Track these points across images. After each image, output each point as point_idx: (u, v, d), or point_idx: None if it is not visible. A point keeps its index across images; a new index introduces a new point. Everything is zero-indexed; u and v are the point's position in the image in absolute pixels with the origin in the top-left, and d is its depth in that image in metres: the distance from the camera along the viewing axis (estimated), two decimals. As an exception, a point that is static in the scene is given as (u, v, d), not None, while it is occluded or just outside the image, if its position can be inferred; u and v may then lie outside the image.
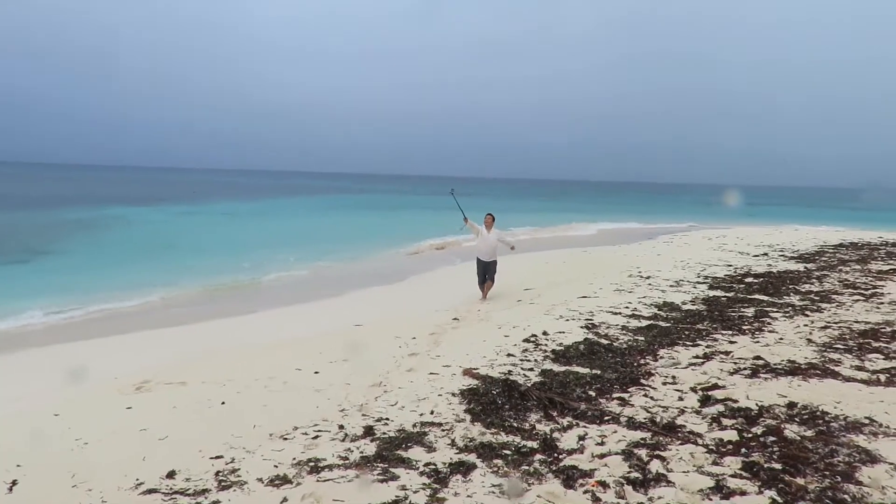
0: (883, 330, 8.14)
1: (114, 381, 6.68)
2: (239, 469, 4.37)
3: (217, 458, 4.59)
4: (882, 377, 6.08)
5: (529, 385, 5.85)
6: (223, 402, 5.81)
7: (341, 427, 5.06)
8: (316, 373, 6.68)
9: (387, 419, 5.20)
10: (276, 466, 4.39)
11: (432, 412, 5.32)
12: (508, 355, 7.06)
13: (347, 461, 4.41)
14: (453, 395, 5.72)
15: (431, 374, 6.45)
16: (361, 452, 4.54)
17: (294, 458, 4.50)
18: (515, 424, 4.99)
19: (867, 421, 4.86)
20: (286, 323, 9.95)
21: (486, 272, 11.27)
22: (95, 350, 8.54)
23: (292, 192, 76.26)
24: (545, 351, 7.19)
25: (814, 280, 12.79)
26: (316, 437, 4.91)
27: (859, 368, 6.42)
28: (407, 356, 7.25)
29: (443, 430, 4.90)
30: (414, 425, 5.03)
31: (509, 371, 6.38)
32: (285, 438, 4.91)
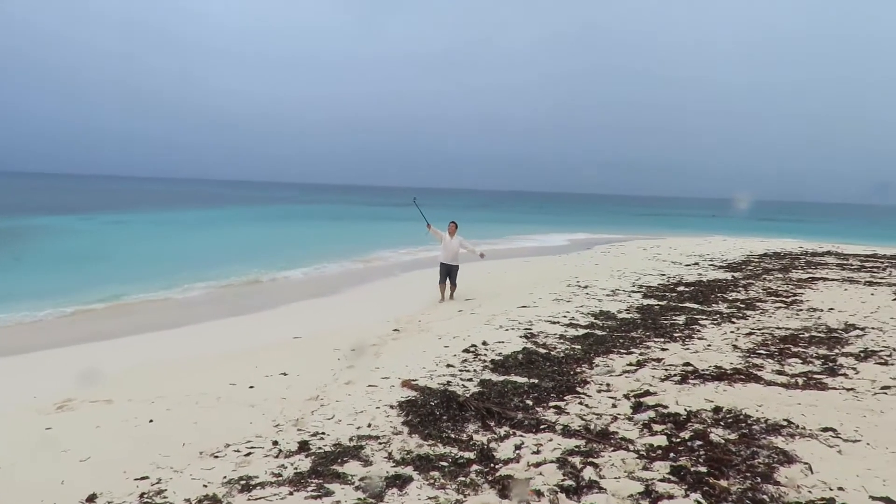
0: (801, 335, 8.60)
1: (32, 400, 6.31)
2: (165, 490, 4.20)
3: (142, 478, 4.40)
4: (800, 381, 6.42)
5: (468, 395, 5.87)
6: (151, 420, 5.57)
7: (275, 443, 4.94)
8: (251, 387, 6.51)
9: (323, 433, 5.11)
10: (205, 486, 4.23)
11: (370, 425, 5.26)
12: (448, 366, 7.07)
13: (281, 478, 4.30)
14: (391, 407, 5.68)
15: (370, 386, 6.39)
16: (296, 468, 4.44)
17: (225, 477, 4.35)
18: (453, 435, 4.99)
19: (785, 423, 5.11)
20: (221, 336, 9.66)
21: (449, 275, 12.27)
22: (11, 368, 8.06)
23: (234, 201, 74.46)
24: (484, 361, 7.24)
25: (740, 288, 13.40)
26: (248, 453, 4.77)
27: (780, 373, 6.75)
28: (345, 369, 7.16)
29: (380, 444, 4.85)
30: (350, 439, 4.96)
31: (448, 382, 6.39)
32: (216, 456, 4.75)
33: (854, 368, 6.91)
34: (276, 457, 4.68)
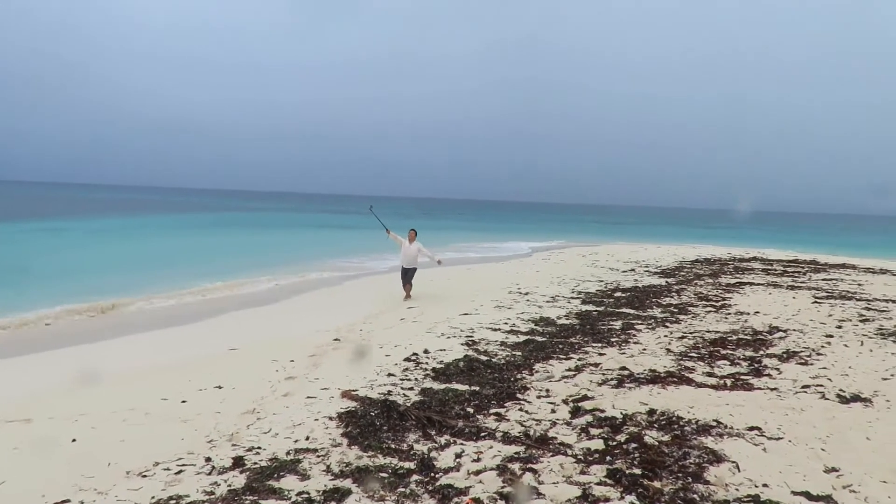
0: (730, 338, 8.97)
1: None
2: (88, 514, 3.98)
3: (63, 502, 4.15)
4: (728, 382, 6.69)
5: (409, 405, 5.83)
6: (74, 440, 5.28)
7: (208, 459, 4.76)
8: (183, 402, 6.26)
9: (259, 448, 4.96)
10: (131, 508, 4.03)
11: (308, 438, 5.15)
12: (389, 375, 7.01)
13: (213, 496, 4.15)
14: (330, 418, 5.57)
15: (309, 397, 6.26)
16: (229, 485, 4.29)
17: (153, 497, 4.16)
18: (393, 446, 4.94)
19: (715, 423, 5.31)
20: (152, 349, 9.25)
21: (407, 276, 13.40)
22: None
23: (168, 208, 71.93)
24: (426, 369, 7.21)
25: (673, 293, 13.89)
26: (179, 471, 4.58)
27: (710, 374, 7.02)
28: (283, 380, 6.99)
29: (318, 457, 4.75)
30: (288, 453, 4.83)
31: (389, 391, 6.33)
32: (144, 475, 4.54)
33: (777, 369, 7.26)
34: (209, 474, 4.51)
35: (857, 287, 15.69)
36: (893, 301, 13.09)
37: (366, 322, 10.62)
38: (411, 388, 6.47)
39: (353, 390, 6.36)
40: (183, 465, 4.69)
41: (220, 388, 6.73)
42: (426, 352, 8.02)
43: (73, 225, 37.87)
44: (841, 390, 6.37)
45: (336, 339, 9.13)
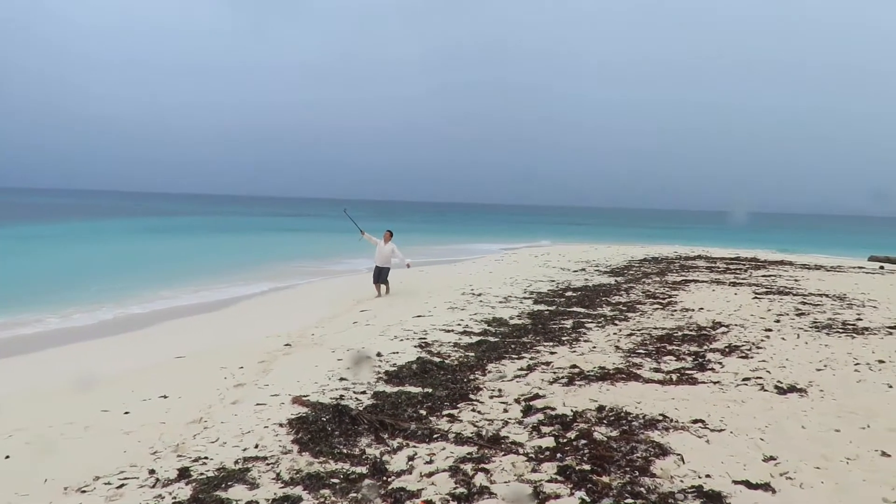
0: (676, 334, 9.24)
1: None
2: (22, 533, 3.79)
3: (-6, 523, 3.95)
4: (674, 377, 6.88)
5: (361, 409, 5.78)
6: (7, 457, 5.02)
7: (152, 472, 4.60)
8: (126, 413, 6.03)
9: (206, 458, 4.83)
10: (69, 525, 3.87)
11: (257, 446, 5.04)
12: (341, 379, 6.94)
13: (157, 509, 4.02)
14: (281, 425, 5.47)
15: (258, 404, 6.13)
16: (174, 498, 4.16)
17: (93, 513, 4.00)
18: (345, 451, 4.89)
19: (661, 417, 5.45)
20: (94, 358, 8.91)
21: (380, 276, 13.92)
22: None
23: (115, 212, 69.34)
24: (378, 372, 7.17)
25: (622, 292, 14.21)
26: (121, 485, 4.41)
27: (657, 370, 7.20)
28: (232, 388, 6.83)
29: (268, 465, 4.66)
30: (236, 462, 4.72)
31: (341, 396, 6.27)
32: (83, 491, 4.35)
33: (720, 363, 7.51)
34: (153, 486, 4.37)
35: (794, 283, 16.40)
36: (826, 295, 13.75)
37: (318, 326, 10.49)
38: (363, 392, 6.41)
39: (305, 396, 6.27)
40: (125, 478, 4.53)
41: (165, 397, 6.52)
42: (379, 354, 7.97)
43: (48, 230, 36.42)
44: (779, 382, 6.64)
45: (287, 345, 8.99)
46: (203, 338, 10.11)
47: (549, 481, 4.21)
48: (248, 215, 77.23)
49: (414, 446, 4.97)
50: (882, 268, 24.01)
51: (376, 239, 14.11)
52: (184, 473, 4.53)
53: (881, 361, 7.50)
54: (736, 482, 4.16)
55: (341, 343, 8.88)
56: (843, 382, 6.62)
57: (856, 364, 7.39)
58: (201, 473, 4.53)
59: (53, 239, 32.50)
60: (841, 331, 9.48)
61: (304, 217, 76.51)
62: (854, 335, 9.13)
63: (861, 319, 10.51)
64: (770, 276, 18.25)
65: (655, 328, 9.79)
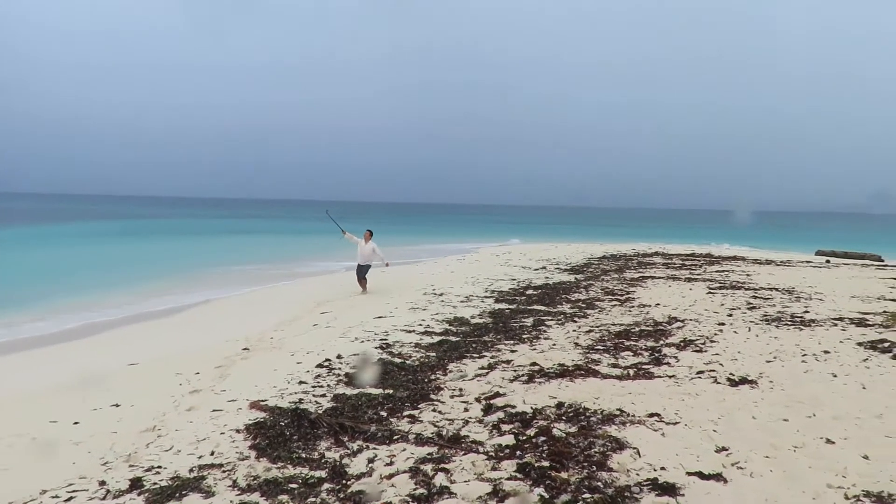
0: (633, 330, 9.41)
1: None
2: (-39, 553, 3.63)
3: (-68, 543, 3.77)
4: (631, 372, 7.01)
5: (320, 412, 5.72)
6: (-53, 473, 4.80)
7: (102, 483, 4.46)
8: (75, 423, 5.84)
9: (159, 467, 4.70)
10: (13, 542, 3.72)
11: (213, 453, 4.93)
12: (300, 383, 6.85)
13: (108, 522, 3.89)
14: (237, 431, 5.37)
15: (215, 411, 6.00)
16: (126, 509, 4.04)
17: (39, 529, 3.86)
18: (304, 455, 4.82)
19: (618, 412, 5.55)
20: (43, 367, 8.59)
21: (361, 273, 14.65)
22: None
23: (66, 216, 66.76)
24: (338, 375, 7.11)
25: (582, 289, 14.41)
26: (69, 498, 4.26)
27: (614, 366, 7.32)
28: (188, 394, 6.67)
29: (224, 472, 4.56)
30: (191, 470, 4.61)
31: (300, 399, 6.19)
32: (29, 506, 4.19)
33: (675, 357, 7.69)
34: (104, 498, 4.24)
35: (746, 277, 16.91)
36: (776, 289, 14.21)
37: (277, 329, 10.33)
38: (323, 395, 6.35)
39: (262, 400, 6.17)
40: (73, 490, 4.38)
41: (117, 406, 6.33)
42: (339, 357, 7.90)
43: None
44: (731, 374, 6.82)
45: (245, 349, 8.83)
46: (158, 344, 9.85)
47: (508, 479, 4.24)
48: (205, 217, 75.60)
49: (374, 448, 4.94)
50: (828, 261, 24.96)
51: (357, 238, 14.64)
52: (136, 484, 4.40)
53: (826, 352, 7.79)
54: (689, 473, 4.26)
55: (301, 346, 8.77)
56: (791, 373, 6.85)
57: (803, 355, 7.65)
58: (154, 483, 4.41)
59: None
60: (789, 323, 9.81)
61: (262, 219, 75.42)
62: (802, 327, 9.46)
63: (808, 312, 10.90)
64: (723, 271, 18.77)
65: (614, 324, 9.96)
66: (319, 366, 7.52)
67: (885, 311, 10.72)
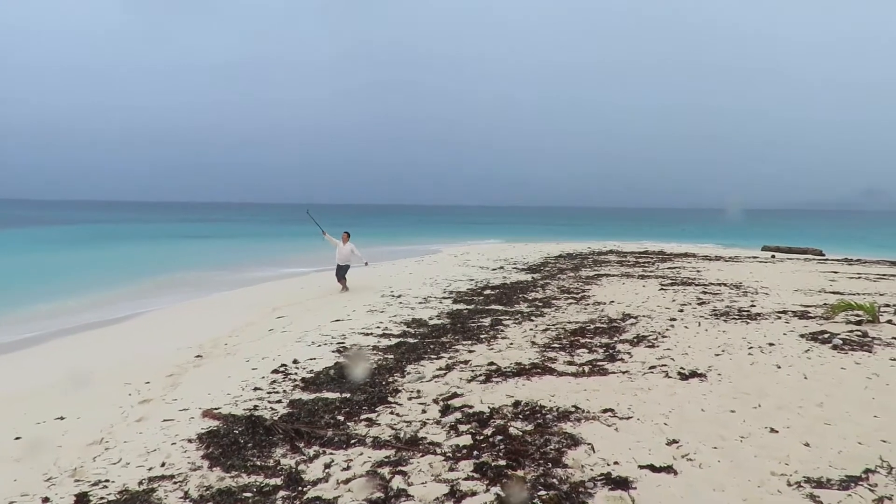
0: (588, 327, 9.58)
1: None
2: None
3: None
4: (586, 369, 7.13)
5: (276, 418, 5.63)
6: None
7: (46, 500, 4.29)
8: (17, 438, 5.60)
9: (106, 481, 4.55)
10: (-52, 566, 3.54)
11: (163, 464, 4.80)
12: (255, 389, 6.73)
13: (51, 540, 3.75)
14: (190, 441, 5.24)
15: (166, 420, 5.85)
16: (71, 526, 3.90)
17: (-24, 551, 3.68)
18: (259, 463, 4.74)
19: (574, 409, 5.64)
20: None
21: (340, 272, 15.28)
22: None
23: (9, 222, 63.96)
24: (295, 380, 7.01)
25: (539, 288, 14.58)
26: (10, 517, 4.09)
27: (570, 363, 7.44)
28: (137, 404, 6.48)
29: (175, 483, 4.45)
30: (140, 483, 4.48)
31: (255, 406, 6.08)
32: (-34, 527, 4.01)
33: (629, 353, 7.85)
34: (47, 516, 4.07)
35: (696, 273, 17.41)
36: (724, 284, 14.68)
37: (232, 335, 10.13)
38: (279, 401, 6.25)
39: (216, 408, 6.03)
40: (15, 509, 4.20)
41: (62, 419, 6.10)
42: (295, 362, 7.80)
43: None
44: (681, 368, 7.01)
45: (198, 356, 8.63)
46: (106, 353, 9.51)
47: (465, 479, 4.26)
48: (151, 222, 73.50)
49: (331, 453, 4.89)
50: (773, 256, 25.92)
51: (336, 240, 15.35)
52: (81, 499, 4.25)
53: (771, 344, 8.09)
54: (641, 467, 4.36)
55: (256, 352, 8.61)
56: (738, 366, 7.08)
57: (749, 348, 7.92)
58: (101, 498, 4.27)
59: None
60: (737, 317, 10.15)
61: (211, 223, 73.83)
62: (748, 321, 9.80)
63: (754, 306, 11.29)
64: (675, 268, 19.28)
65: (570, 322, 10.11)
66: (275, 371, 7.41)
67: (825, 304, 11.19)
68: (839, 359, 7.26)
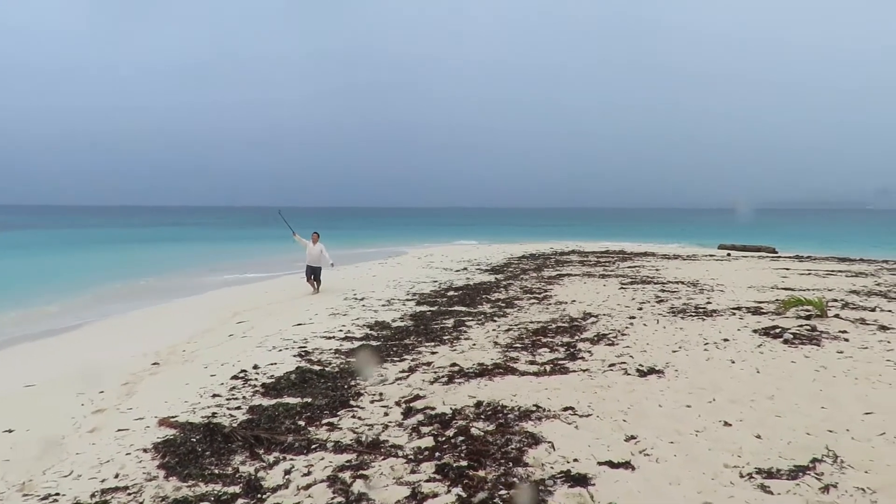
0: (550, 327, 9.68)
1: None
2: None
3: None
4: (547, 368, 7.21)
5: (235, 425, 5.54)
6: None
7: (-8, 517, 4.14)
8: (-39, 454, 5.38)
9: (57, 494, 4.41)
10: None
11: (117, 475, 4.67)
12: (214, 396, 6.60)
13: (-3, 558, 3.62)
14: (145, 450, 5.11)
15: (120, 430, 5.69)
16: (18, 543, 3.77)
17: (-84, 572, 3.53)
18: (217, 471, 4.66)
19: (535, 408, 5.69)
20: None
21: (314, 274, 15.20)
22: None
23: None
24: (255, 386, 6.91)
25: (501, 289, 14.68)
26: (-47, 536, 3.93)
27: (532, 363, 7.51)
28: (90, 414, 6.28)
29: (129, 494, 4.33)
30: (92, 495, 4.35)
31: (213, 413, 5.96)
32: None
33: (589, 351, 7.97)
34: (-7, 533, 3.93)
35: (655, 272, 17.77)
36: (682, 282, 15.03)
37: (190, 342, 9.91)
38: (238, 408, 6.15)
39: (173, 417, 5.90)
40: (-43, 527, 4.03)
41: (10, 431, 5.88)
42: (255, 367, 7.68)
43: None
44: (640, 365, 7.15)
45: (155, 364, 8.42)
46: (58, 363, 9.20)
47: (427, 481, 4.26)
48: (110, 227, 71.53)
49: (291, 459, 4.83)
50: (729, 255, 26.64)
51: (305, 241, 15.25)
52: (30, 514, 4.11)
53: (726, 340, 8.31)
54: (600, 463, 4.43)
55: (215, 358, 8.45)
56: (695, 362, 7.26)
57: (705, 344, 8.13)
58: (51, 512, 4.13)
59: None
60: (693, 314, 10.40)
61: (176, 226, 72.28)
62: (704, 318, 10.05)
63: (710, 303, 11.59)
64: (635, 266, 19.65)
65: (532, 322, 10.20)
66: (235, 377, 7.29)
67: (777, 300, 11.56)
68: (790, 353, 7.51)
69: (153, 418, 5.94)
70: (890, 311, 10.43)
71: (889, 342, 7.94)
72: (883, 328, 8.82)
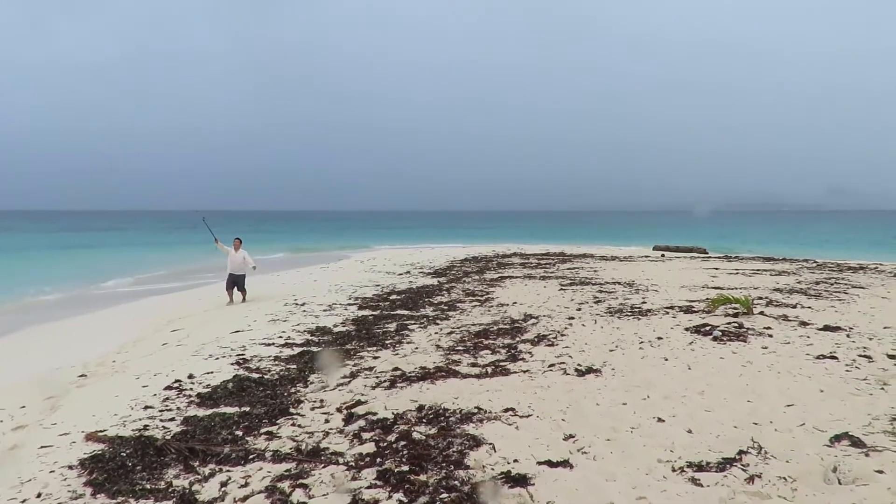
0: (491, 329, 9.79)
1: None
2: None
3: None
4: (489, 370, 7.28)
5: (168, 437, 5.34)
6: None
7: None
8: None
9: (-29, 519, 4.15)
10: None
11: (39, 495, 4.42)
12: (146, 408, 6.35)
13: None
14: (70, 467, 4.86)
15: (43, 447, 5.39)
16: (-73, 572, 3.51)
17: None
18: (148, 486, 4.48)
19: (476, 410, 5.74)
20: None
21: (236, 283, 14.49)
22: None
23: None
24: (190, 396, 6.68)
25: (444, 292, 14.74)
26: None
27: (474, 365, 7.57)
28: (10, 431, 5.93)
29: (52, 515, 4.12)
30: (12, 517, 4.11)
31: (145, 426, 5.73)
32: None
33: (530, 353, 8.10)
34: None
35: (594, 273, 18.23)
36: (619, 283, 15.47)
37: (121, 352, 9.49)
38: (172, 419, 5.93)
39: (101, 431, 5.64)
40: None
41: (-82, 454, 5.48)
42: (191, 377, 7.43)
43: None
44: (579, 365, 7.32)
45: (82, 376, 8.02)
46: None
47: (368, 487, 4.23)
48: (30, 231, 67.79)
49: (228, 470, 4.70)
50: (663, 255, 27.63)
51: (227, 248, 14.58)
52: (-60, 541, 3.84)
53: (660, 338, 8.61)
54: (540, 462, 4.51)
55: (148, 368, 8.13)
56: (630, 360, 7.49)
57: (640, 343, 8.40)
58: (-35, 538, 3.88)
59: None
60: (629, 314, 10.73)
61: (97, 231, 69.23)
62: (640, 317, 10.39)
63: (645, 302, 11.99)
64: (574, 268, 20.10)
65: (474, 324, 10.28)
66: (168, 388, 7.03)
67: (707, 299, 12.06)
68: (718, 349, 7.85)
69: (80, 433, 5.66)
70: (810, 307, 11.07)
71: (808, 337, 8.42)
72: (803, 324, 9.34)
